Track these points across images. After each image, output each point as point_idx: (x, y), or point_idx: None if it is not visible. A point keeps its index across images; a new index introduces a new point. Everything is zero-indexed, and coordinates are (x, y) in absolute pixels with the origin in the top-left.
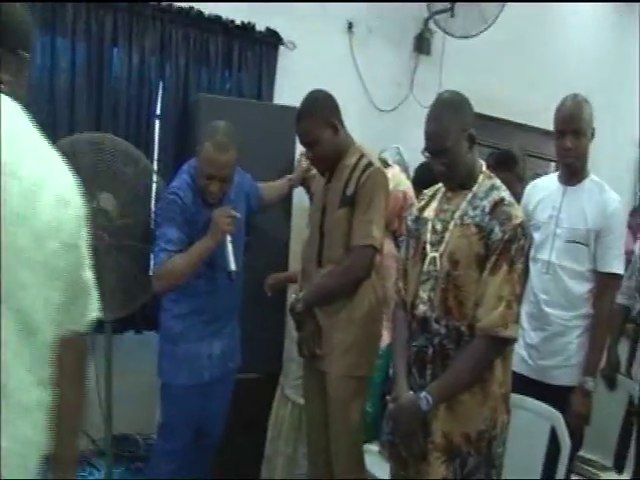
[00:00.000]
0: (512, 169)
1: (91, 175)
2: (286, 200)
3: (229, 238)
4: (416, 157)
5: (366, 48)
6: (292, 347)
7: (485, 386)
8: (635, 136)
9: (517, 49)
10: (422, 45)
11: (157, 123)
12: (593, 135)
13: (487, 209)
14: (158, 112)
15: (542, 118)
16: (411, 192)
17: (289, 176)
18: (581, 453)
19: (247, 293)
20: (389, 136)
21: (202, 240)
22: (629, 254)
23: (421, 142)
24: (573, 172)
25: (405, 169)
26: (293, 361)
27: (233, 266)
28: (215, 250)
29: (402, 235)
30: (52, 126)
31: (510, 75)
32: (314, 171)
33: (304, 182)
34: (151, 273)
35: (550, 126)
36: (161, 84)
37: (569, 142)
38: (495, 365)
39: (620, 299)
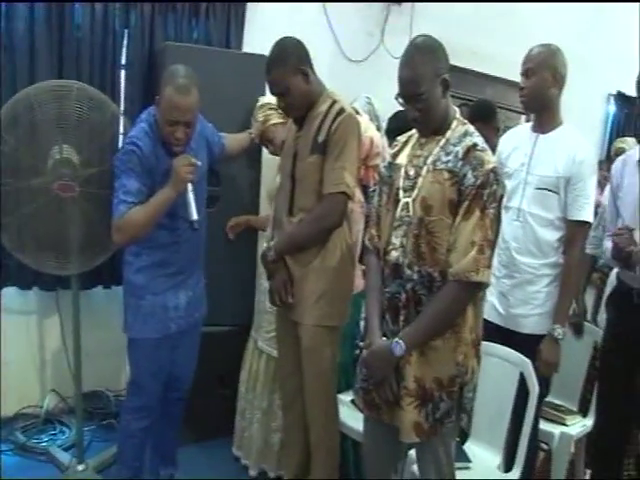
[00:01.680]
0: (489, 121)
1: (55, 124)
2: (250, 152)
3: (190, 187)
4: (387, 108)
5: None
6: (263, 299)
7: (457, 331)
8: (606, 90)
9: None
10: None
11: (122, 73)
12: (558, 81)
13: (460, 154)
14: (123, 62)
15: (513, 70)
16: (377, 139)
17: (249, 130)
18: (549, 399)
19: (217, 244)
20: (360, 87)
21: (162, 190)
22: (596, 206)
23: (392, 93)
24: (539, 120)
25: (376, 118)
26: (266, 313)
27: (195, 215)
28: (176, 200)
29: (367, 182)
30: (11, 77)
31: (482, 26)
32: (271, 121)
33: (263, 135)
34: (112, 224)
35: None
36: (126, 32)
37: (521, 82)
38: (467, 311)
39: (587, 249)
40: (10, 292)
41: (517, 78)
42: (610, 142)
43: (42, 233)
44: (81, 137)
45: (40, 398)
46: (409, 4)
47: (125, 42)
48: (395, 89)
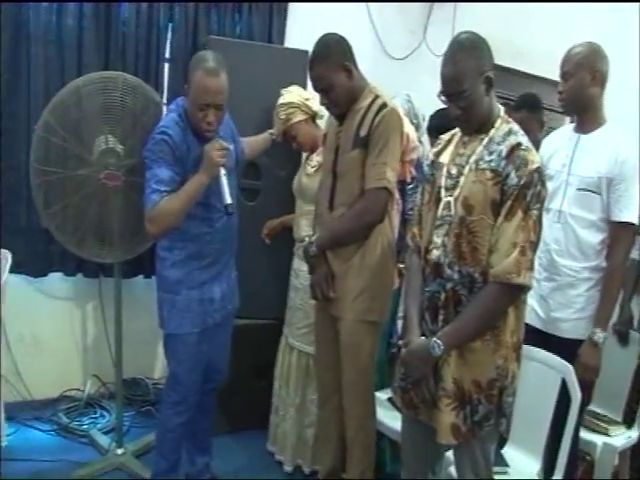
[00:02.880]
0: (534, 111)
1: (100, 115)
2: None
3: (223, 171)
4: (428, 106)
5: None
6: (295, 295)
7: (497, 334)
8: None
9: None
10: None
11: (166, 67)
12: (598, 80)
13: (503, 154)
14: (167, 55)
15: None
16: (413, 134)
17: (270, 130)
18: (591, 407)
19: (256, 238)
20: (401, 84)
21: (195, 176)
22: None
23: (433, 90)
24: (581, 120)
25: (415, 116)
26: (298, 310)
27: (229, 199)
28: (209, 187)
29: (404, 177)
30: (60, 70)
31: (527, 24)
32: (294, 120)
33: (285, 134)
34: (145, 215)
35: None
36: (170, 27)
37: (560, 86)
38: (508, 313)
39: (634, 254)
40: (55, 278)
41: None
42: None
43: (87, 221)
44: (125, 127)
45: (82, 382)
46: (452, 1)
47: (169, 36)
48: (437, 87)
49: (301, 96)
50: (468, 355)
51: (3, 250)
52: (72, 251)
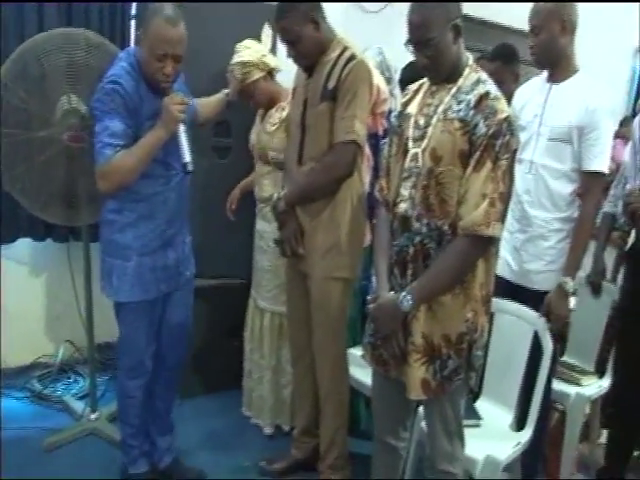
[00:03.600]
0: (509, 63)
1: (63, 74)
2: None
3: (182, 127)
4: (401, 59)
5: None
6: (262, 257)
7: (467, 287)
8: (633, 45)
9: None
10: None
11: (132, 23)
12: (567, 29)
13: (472, 103)
14: (133, 12)
15: None
16: (383, 86)
17: (225, 90)
18: (564, 358)
19: (226, 199)
20: (374, 38)
21: (153, 131)
22: (619, 163)
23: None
24: (553, 70)
25: (387, 69)
26: (266, 271)
27: (188, 157)
28: (165, 144)
29: (375, 130)
30: (19, 27)
31: None
32: (252, 78)
33: (242, 93)
34: (96, 170)
35: None
36: None
37: (530, 40)
38: (477, 266)
39: (607, 207)
40: (23, 244)
41: None
42: (636, 99)
43: (52, 184)
44: (89, 87)
45: (55, 349)
46: None
47: None
48: None
49: (257, 52)
50: (437, 309)
51: None
52: (37, 215)
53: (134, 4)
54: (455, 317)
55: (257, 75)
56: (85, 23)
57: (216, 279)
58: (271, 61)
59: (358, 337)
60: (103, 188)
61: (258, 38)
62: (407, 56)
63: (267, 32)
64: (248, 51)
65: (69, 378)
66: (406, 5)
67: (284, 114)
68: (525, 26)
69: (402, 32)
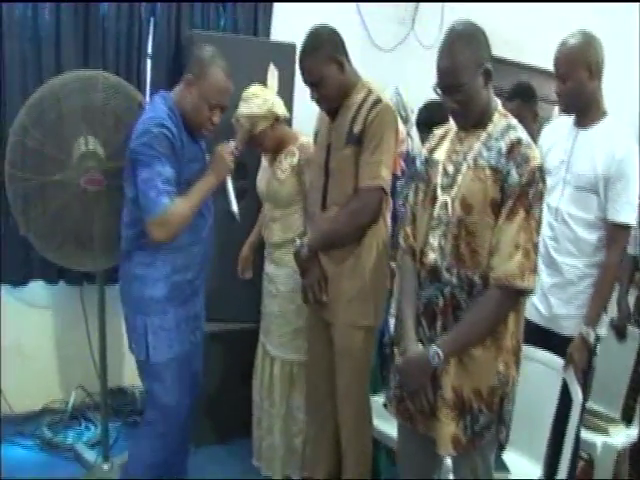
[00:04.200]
0: (528, 101)
1: (80, 116)
2: None
3: (229, 177)
4: (415, 98)
5: None
6: (272, 302)
7: (498, 339)
8: None
9: None
10: None
11: (149, 62)
12: (595, 73)
13: (503, 150)
14: (149, 51)
15: (548, 59)
16: (401, 127)
17: (232, 144)
18: (588, 404)
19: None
20: (388, 76)
21: (204, 178)
22: None
23: (421, 82)
24: (581, 115)
25: (404, 109)
26: (277, 317)
27: (235, 206)
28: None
29: (394, 171)
30: (37, 68)
31: (516, 13)
32: (259, 128)
33: (250, 141)
34: (150, 220)
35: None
36: (152, 21)
37: (557, 87)
38: (508, 316)
39: (630, 249)
40: (36, 286)
41: (551, 67)
42: None
43: (67, 228)
44: (106, 128)
45: (66, 394)
46: None
47: (151, 31)
48: (424, 79)
49: (265, 103)
50: (468, 362)
51: None
52: (52, 260)
53: (150, 43)
54: (486, 370)
55: (265, 125)
56: (102, 62)
57: (227, 322)
58: (279, 109)
59: (377, 382)
60: (161, 237)
61: (288, 78)
62: (421, 95)
63: (273, 73)
64: (256, 102)
65: (80, 425)
66: (417, 44)
67: (295, 160)
68: (538, 63)
69: (416, 70)
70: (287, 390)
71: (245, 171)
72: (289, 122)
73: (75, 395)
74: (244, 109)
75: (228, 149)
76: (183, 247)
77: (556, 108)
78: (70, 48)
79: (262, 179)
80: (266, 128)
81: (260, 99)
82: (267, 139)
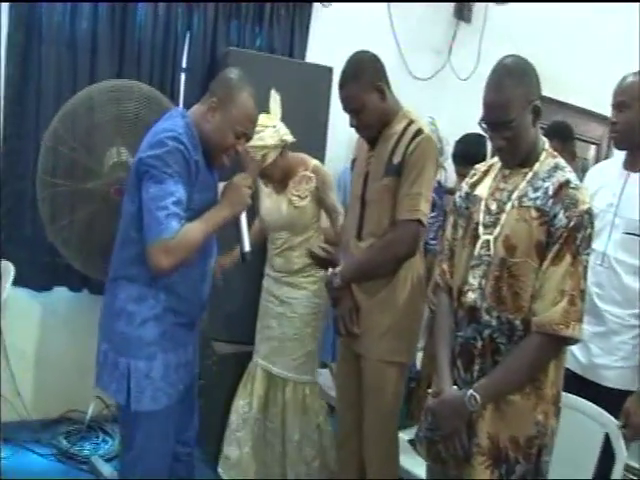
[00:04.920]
0: (566, 141)
1: (113, 126)
2: None
3: (244, 213)
4: (450, 129)
5: (404, 11)
6: (285, 324)
7: (538, 387)
8: None
9: (565, 20)
10: (462, 11)
11: (183, 76)
12: None
13: (550, 191)
14: (184, 65)
15: (585, 97)
16: None
17: (243, 176)
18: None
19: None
20: (423, 106)
21: (217, 209)
22: None
23: (455, 114)
24: (631, 155)
25: (439, 140)
26: (292, 340)
27: (248, 245)
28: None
29: None
30: (72, 74)
31: (555, 49)
32: (270, 159)
33: (262, 173)
34: (154, 244)
35: (594, 105)
36: (188, 35)
37: (613, 116)
38: (550, 364)
39: None
40: (59, 292)
41: (589, 105)
42: None
43: (94, 238)
44: (139, 139)
45: (85, 404)
46: (480, 22)
47: (187, 45)
48: (459, 110)
49: (277, 133)
50: (505, 409)
51: (5, 262)
52: (77, 268)
53: (185, 57)
54: (525, 419)
55: (275, 155)
56: (136, 72)
57: (232, 344)
58: (288, 137)
59: (402, 418)
60: (163, 265)
61: (323, 101)
62: (456, 126)
63: (275, 97)
64: (268, 132)
65: (97, 437)
66: (453, 76)
67: (312, 184)
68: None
69: (451, 102)
70: (300, 414)
71: None
72: (323, 147)
73: (94, 406)
74: (256, 141)
75: (246, 181)
76: (180, 285)
77: (592, 148)
78: (105, 57)
79: (271, 209)
80: (276, 157)
81: (270, 130)
82: (276, 168)
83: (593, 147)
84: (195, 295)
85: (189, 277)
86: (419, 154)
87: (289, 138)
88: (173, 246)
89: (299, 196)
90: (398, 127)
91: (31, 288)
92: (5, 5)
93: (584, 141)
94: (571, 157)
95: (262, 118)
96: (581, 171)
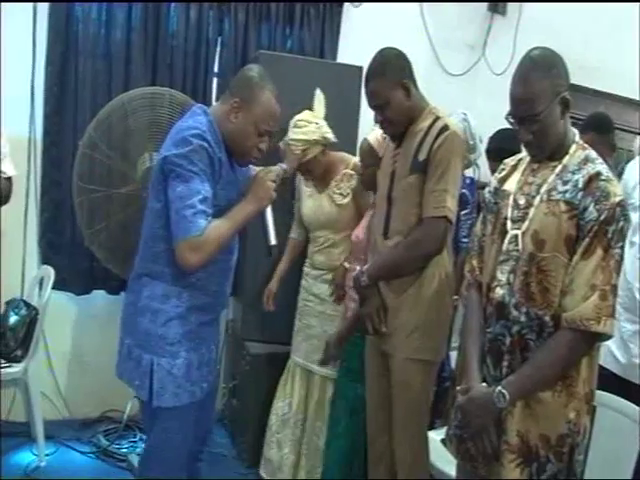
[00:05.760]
0: (604, 133)
1: (146, 132)
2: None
3: (270, 207)
4: (484, 126)
5: (437, 7)
6: (324, 323)
7: (569, 384)
8: None
9: (604, 7)
10: (497, 4)
11: (215, 81)
12: None
13: (580, 184)
14: (216, 69)
15: (627, 86)
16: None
17: (283, 165)
18: None
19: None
20: (456, 102)
21: (242, 205)
22: None
23: (490, 110)
24: None
25: (472, 136)
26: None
27: (274, 239)
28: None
29: None
30: (107, 83)
31: (593, 39)
32: (310, 155)
33: (300, 167)
34: (182, 242)
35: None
36: (219, 40)
37: None
38: (581, 361)
39: None
40: (98, 295)
41: (631, 94)
42: None
43: (130, 241)
44: None
45: (122, 404)
46: (515, 15)
47: (218, 50)
48: (495, 106)
49: (319, 129)
50: (536, 406)
51: (46, 267)
52: (114, 271)
53: (216, 62)
54: (556, 417)
55: (316, 151)
56: (169, 79)
57: (265, 344)
58: (330, 135)
59: (434, 419)
60: (193, 261)
61: (354, 102)
62: (490, 123)
63: (319, 97)
64: (311, 128)
65: (135, 436)
66: (488, 71)
67: (354, 182)
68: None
69: (485, 98)
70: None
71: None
72: (354, 146)
73: (131, 405)
74: (298, 135)
75: (271, 175)
76: (204, 284)
77: (638, 138)
78: (139, 65)
79: (313, 208)
80: (317, 154)
81: (313, 125)
82: (317, 166)
83: (639, 137)
84: (218, 291)
85: (213, 274)
86: (445, 150)
87: (331, 137)
88: (201, 243)
89: (341, 194)
90: (424, 124)
91: (71, 292)
92: (44, 20)
93: (629, 132)
94: (609, 150)
95: (306, 114)
96: (625, 163)
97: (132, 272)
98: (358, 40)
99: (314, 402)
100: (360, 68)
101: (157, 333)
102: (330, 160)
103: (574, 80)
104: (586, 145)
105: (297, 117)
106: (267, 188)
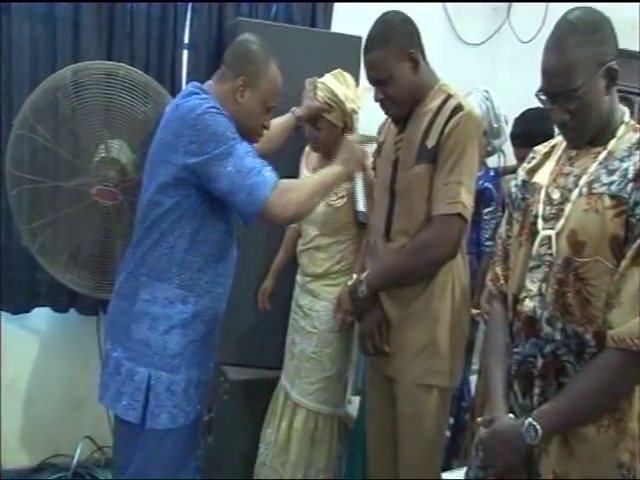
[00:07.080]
0: None
1: (99, 115)
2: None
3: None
4: (509, 106)
5: None
6: (304, 341)
7: (619, 419)
8: None
9: None
10: None
11: (185, 54)
12: None
13: (630, 174)
14: (186, 40)
15: None
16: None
17: (296, 109)
18: None
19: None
20: (476, 77)
21: (333, 168)
22: None
23: (517, 85)
24: None
25: (496, 119)
26: (308, 360)
27: (363, 206)
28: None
29: None
30: (52, 54)
31: None
32: (329, 116)
33: (309, 119)
34: (268, 196)
35: None
36: (190, 6)
37: None
38: (635, 390)
39: None
40: (41, 313)
41: None
42: None
43: (80, 246)
44: (134, 134)
45: (71, 446)
46: None
47: (189, 18)
48: (522, 81)
49: (354, 103)
50: (576, 445)
51: None
52: (63, 282)
53: (187, 31)
54: (603, 459)
55: (335, 119)
56: (129, 52)
57: (246, 368)
58: (356, 126)
59: (449, 456)
60: (284, 215)
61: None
62: (517, 101)
63: (364, 88)
64: (350, 101)
65: None
66: (513, 38)
67: (353, 182)
68: None
69: (510, 71)
70: (307, 448)
71: None
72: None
73: (82, 447)
74: (337, 89)
75: (362, 139)
76: (214, 286)
77: None
78: (91, 33)
79: None
80: (333, 125)
81: (352, 103)
82: (326, 141)
83: None
84: (222, 294)
85: (220, 275)
86: (458, 135)
87: (356, 127)
88: (285, 189)
89: (335, 193)
90: (433, 104)
91: (6, 311)
92: None
93: None
94: None
95: (360, 89)
96: None
97: (121, 273)
98: (356, 6)
99: (282, 434)
100: (359, 39)
101: (157, 342)
102: (336, 148)
103: (626, 44)
104: (638, 126)
105: (349, 79)
106: (357, 153)
